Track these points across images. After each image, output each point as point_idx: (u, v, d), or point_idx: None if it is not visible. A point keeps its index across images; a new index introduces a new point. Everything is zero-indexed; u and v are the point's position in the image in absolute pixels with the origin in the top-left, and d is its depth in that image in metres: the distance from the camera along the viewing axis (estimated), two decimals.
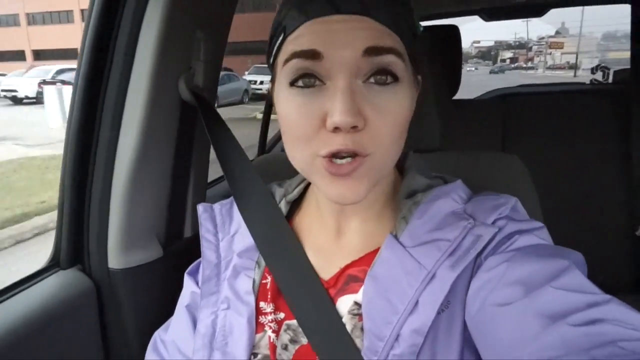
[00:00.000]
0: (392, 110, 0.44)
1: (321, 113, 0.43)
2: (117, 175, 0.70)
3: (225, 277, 0.57)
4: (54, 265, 0.73)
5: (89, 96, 0.68)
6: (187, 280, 0.62)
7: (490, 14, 2.32)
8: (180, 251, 0.82)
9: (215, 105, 0.84)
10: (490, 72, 38.37)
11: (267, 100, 1.59)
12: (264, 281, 0.56)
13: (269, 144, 1.73)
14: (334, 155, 0.43)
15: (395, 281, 0.47)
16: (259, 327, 0.54)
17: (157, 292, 0.77)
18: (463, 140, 1.36)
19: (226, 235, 0.61)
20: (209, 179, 1.03)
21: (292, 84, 0.45)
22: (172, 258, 0.79)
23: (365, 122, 0.43)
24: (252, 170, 0.64)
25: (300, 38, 0.44)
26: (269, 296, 0.55)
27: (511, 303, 0.40)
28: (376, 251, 0.52)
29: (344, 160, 0.44)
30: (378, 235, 0.53)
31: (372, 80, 0.44)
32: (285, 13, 0.47)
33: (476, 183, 0.57)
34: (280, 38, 0.47)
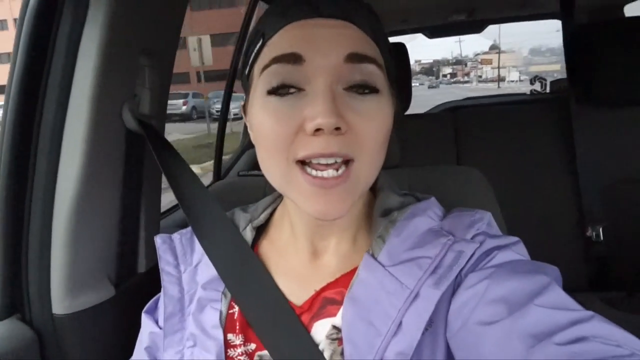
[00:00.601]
0: (375, 117, 0.44)
1: (299, 118, 0.42)
2: (57, 210, 0.64)
3: (189, 311, 0.54)
4: None
5: (20, 127, 0.62)
6: (145, 320, 0.58)
7: (433, 31, 2.43)
8: (134, 289, 0.76)
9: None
10: (429, 87, 44.37)
11: (220, 120, 1.56)
12: (231, 311, 0.53)
13: (224, 170, 1.69)
14: (313, 166, 0.42)
15: (376, 302, 0.46)
16: None
17: (109, 337, 0.71)
18: (418, 154, 1.38)
19: (188, 266, 0.58)
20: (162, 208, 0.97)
21: (270, 92, 0.43)
22: (125, 297, 0.73)
23: (348, 127, 0.42)
24: (208, 197, 0.61)
25: (280, 42, 0.44)
26: (237, 327, 0.52)
27: (495, 322, 0.39)
28: (353, 272, 0.50)
29: (328, 173, 0.42)
30: (354, 256, 0.52)
31: (352, 90, 0.43)
32: (264, 21, 0.47)
33: (441, 197, 0.57)
34: (259, 44, 0.46)
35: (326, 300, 0.50)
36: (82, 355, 0.67)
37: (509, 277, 0.42)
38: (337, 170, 0.43)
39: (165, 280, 0.56)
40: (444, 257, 0.46)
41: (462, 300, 0.44)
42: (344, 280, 0.51)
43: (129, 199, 0.76)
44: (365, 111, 0.43)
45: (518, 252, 0.47)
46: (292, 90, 0.43)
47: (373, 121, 0.43)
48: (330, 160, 0.42)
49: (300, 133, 0.42)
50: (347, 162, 0.43)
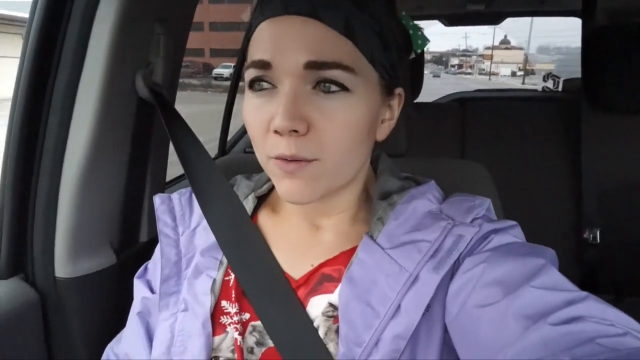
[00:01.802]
0: (340, 117, 0.43)
1: (269, 116, 0.43)
2: (65, 175, 0.65)
3: (185, 275, 0.54)
4: None
5: (33, 89, 0.62)
6: (137, 285, 0.58)
7: (451, 20, 2.38)
8: (135, 257, 0.77)
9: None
10: (434, 76, 46.27)
11: (229, 96, 1.55)
12: (227, 278, 0.53)
13: (229, 144, 1.68)
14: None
15: (374, 284, 0.46)
16: (219, 328, 0.51)
17: (109, 303, 0.72)
18: (424, 143, 1.37)
19: (187, 229, 0.57)
20: (168, 178, 0.98)
21: (250, 86, 0.46)
22: (126, 265, 0.74)
23: (310, 128, 0.43)
24: (215, 169, 0.61)
25: (255, 42, 0.45)
26: (232, 295, 0.52)
27: (491, 304, 0.39)
28: (351, 251, 0.50)
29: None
30: (353, 235, 0.52)
31: (318, 88, 0.43)
32: (253, 10, 0.48)
33: (444, 190, 0.57)
34: (249, 36, 0.48)
35: (324, 276, 0.50)
36: (82, 318, 0.68)
37: (505, 259, 0.42)
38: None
39: (163, 243, 0.56)
40: (444, 241, 0.46)
41: (459, 284, 0.44)
42: (343, 258, 0.50)
43: (136, 167, 0.76)
44: (331, 112, 0.43)
45: (515, 235, 0.47)
46: (266, 86, 0.44)
47: (339, 122, 0.43)
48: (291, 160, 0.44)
49: (271, 132, 0.44)
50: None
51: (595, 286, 1.42)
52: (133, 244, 0.79)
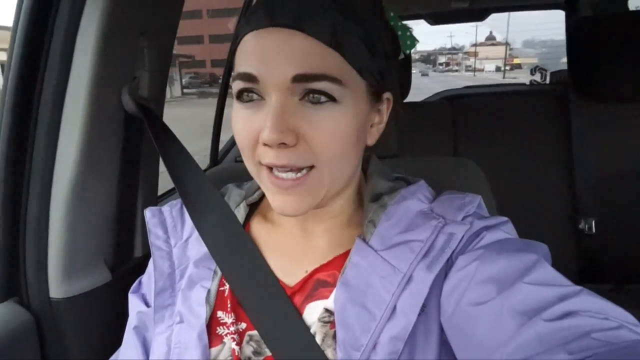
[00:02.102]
0: (329, 128, 0.43)
1: (257, 128, 0.44)
2: (55, 194, 0.64)
3: (180, 287, 0.54)
4: None
5: (19, 107, 0.61)
6: (132, 300, 0.58)
7: (436, 18, 2.40)
8: (130, 273, 0.75)
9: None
10: (422, 75, 47.95)
11: (218, 103, 1.54)
12: (222, 288, 0.53)
13: (221, 153, 1.67)
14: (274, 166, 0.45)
15: (369, 286, 0.46)
16: (216, 339, 0.50)
17: (105, 321, 0.71)
18: (415, 142, 1.37)
19: (179, 240, 0.57)
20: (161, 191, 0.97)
21: (238, 97, 0.46)
22: (121, 282, 0.73)
23: (300, 139, 0.43)
24: (205, 180, 0.61)
25: (241, 55, 0.45)
26: (228, 305, 0.51)
27: (486, 302, 0.39)
28: (345, 255, 0.50)
29: (287, 175, 0.44)
30: (346, 239, 0.52)
31: (306, 99, 0.43)
32: (239, 21, 0.47)
33: (437, 189, 0.57)
34: (234, 47, 0.47)
35: (319, 282, 0.50)
36: (79, 338, 0.67)
37: (498, 256, 0.42)
38: (296, 172, 0.45)
39: (156, 255, 0.56)
40: (435, 240, 0.47)
41: (453, 282, 0.44)
42: (337, 262, 0.50)
43: (127, 182, 0.76)
44: (319, 122, 0.43)
45: (507, 231, 0.48)
46: (254, 97, 0.45)
47: (327, 132, 0.43)
48: (287, 168, 0.44)
49: (260, 143, 0.44)
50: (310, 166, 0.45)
51: (594, 276, 1.42)
52: (128, 260, 0.79)
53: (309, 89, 0.42)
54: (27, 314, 0.64)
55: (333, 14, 0.43)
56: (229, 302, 0.52)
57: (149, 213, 0.59)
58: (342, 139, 0.44)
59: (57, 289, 0.65)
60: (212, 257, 0.54)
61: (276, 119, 0.42)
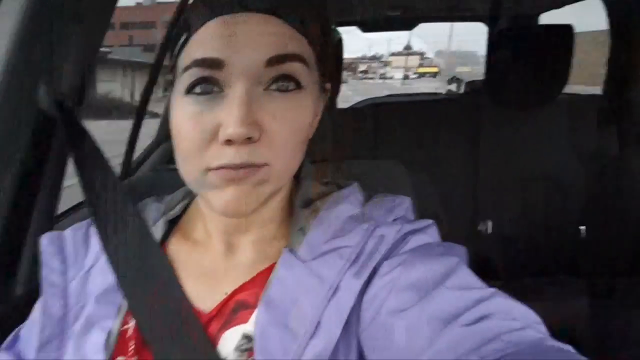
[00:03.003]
0: (292, 118, 0.42)
1: (214, 124, 0.40)
2: None
3: (72, 334, 0.46)
4: None
5: None
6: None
7: (367, 26, 2.59)
8: (6, 319, 0.59)
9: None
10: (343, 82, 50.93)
11: (138, 112, 1.43)
12: (124, 327, 0.46)
13: (134, 164, 1.53)
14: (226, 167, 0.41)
15: (294, 303, 0.42)
16: None
17: None
18: (340, 147, 1.40)
19: (79, 271, 0.50)
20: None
21: (189, 91, 0.42)
22: None
23: (262, 132, 0.41)
24: (122, 192, 0.53)
25: (203, 41, 0.42)
26: (131, 347, 0.45)
27: (406, 309, 0.39)
28: (269, 269, 0.46)
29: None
30: (274, 252, 0.48)
31: (273, 87, 0.42)
32: (192, 10, 0.45)
33: (365, 190, 0.55)
34: (184, 38, 0.44)
35: (238, 304, 0.45)
36: None
37: (421, 261, 0.42)
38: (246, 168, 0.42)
39: (48, 294, 0.48)
40: (366, 244, 0.45)
41: (374, 290, 0.42)
42: (260, 279, 0.46)
43: (21, 199, 0.62)
44: (283, 113, 0.42)
45: (431, 234, 0.47)
46: (213, 89, 0.41)
47: (291, 123, 0.42)
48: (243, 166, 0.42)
49: (214, 141, 0.41)
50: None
51: (486, 274, 1.51)
52: (5, 300, 0.63)
53: (281, 73, 0.41)
54: None
55: (301, 3, 0.44)
56: (131, 343, 0.45)
57: (45, 240, 0.51)
58: (301, 131, 0.44)
59: None
60: (118, 289, 0.47)
61: (244, 111, 0.39)
